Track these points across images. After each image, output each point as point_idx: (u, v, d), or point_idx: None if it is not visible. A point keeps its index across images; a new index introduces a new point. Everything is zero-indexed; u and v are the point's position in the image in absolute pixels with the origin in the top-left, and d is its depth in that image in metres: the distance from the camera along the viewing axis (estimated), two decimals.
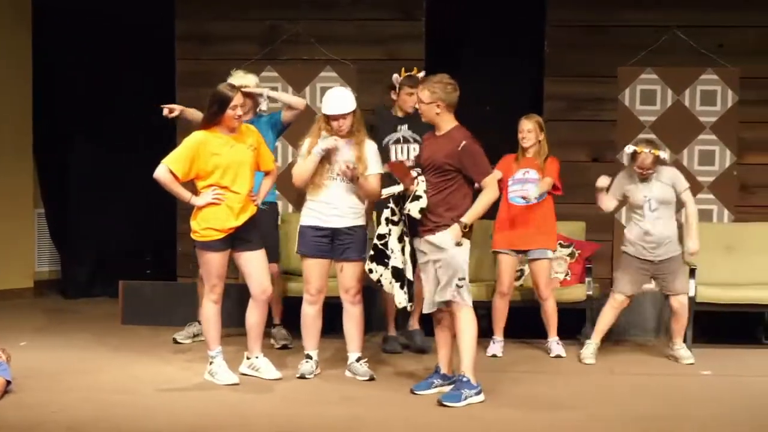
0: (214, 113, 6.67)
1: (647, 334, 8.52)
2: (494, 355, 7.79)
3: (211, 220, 6.68)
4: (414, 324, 7.94)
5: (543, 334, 7.95)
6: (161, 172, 6.65)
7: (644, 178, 7.57)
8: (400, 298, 6.61)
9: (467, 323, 6.40)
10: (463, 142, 6.34)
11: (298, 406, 6.29)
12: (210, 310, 6.85)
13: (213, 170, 6.66)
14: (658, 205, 7.56)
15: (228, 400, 6.41)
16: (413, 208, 6.39)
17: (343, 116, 6.83)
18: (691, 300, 7.95)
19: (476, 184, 6.53)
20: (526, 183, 7.80)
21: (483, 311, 7.92)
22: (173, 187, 6.68)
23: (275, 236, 8.02)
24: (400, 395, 6.56)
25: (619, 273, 7.76)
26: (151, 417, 5.99)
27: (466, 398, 6.28)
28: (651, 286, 7.91)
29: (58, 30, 10.25)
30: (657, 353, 7.96)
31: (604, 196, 7.76)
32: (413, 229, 6.49)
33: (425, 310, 6.59)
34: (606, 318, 7.69)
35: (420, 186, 6.42)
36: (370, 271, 6.69)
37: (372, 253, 6.67)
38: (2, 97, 10.03)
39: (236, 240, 6.77)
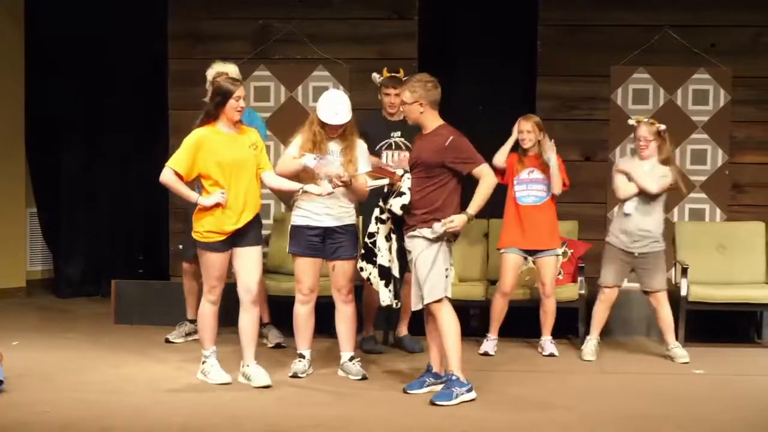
0: (217, 104, 6.61)
1: (638, 333, 8.52)
2: (486, 353, 7.76)
3: (212, 224, 6.63)
4: (403, 330, 7.96)
5: (535, 333, 7.95)
6: (165, 174, 6.59)
7: (643, 158, 7.57)
8: (385, 297, 6.66)
9: (448, 322, 6.39)
10: (451, 137, 6.35)
11: (290, 406, 6.29)
12: (207, 310, 6.80)
13: (214, 168, 6.60)
14: (645, 195, 7.57)
15: (221, 399, 6.40)
16: (395, 204, 6.42)
17: (340, 125, 6.82)
18: (684, 299, 7.98)
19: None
20: (531, 183, 7.80)
21: (474, 310, 7.92)
22: (179, 187, 6.61)
23: None
24: (393, 394, 6.56)
25: (603, 265, 7.76)
26: (143, 416, 5.99)
27: (457, 396, 6.28)
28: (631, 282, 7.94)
29: (53, 30, 10.22)
30: (648, 352, 7.97)
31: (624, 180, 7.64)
32: (399, 227, 6.52)
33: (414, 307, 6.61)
34: (598, 314, 7.72)
35: (405, 183, 6.45)
36: (361, 269, 6.73)
37: (363, 251, 6.70)
38: None
39: (237, 237, 6.72)
